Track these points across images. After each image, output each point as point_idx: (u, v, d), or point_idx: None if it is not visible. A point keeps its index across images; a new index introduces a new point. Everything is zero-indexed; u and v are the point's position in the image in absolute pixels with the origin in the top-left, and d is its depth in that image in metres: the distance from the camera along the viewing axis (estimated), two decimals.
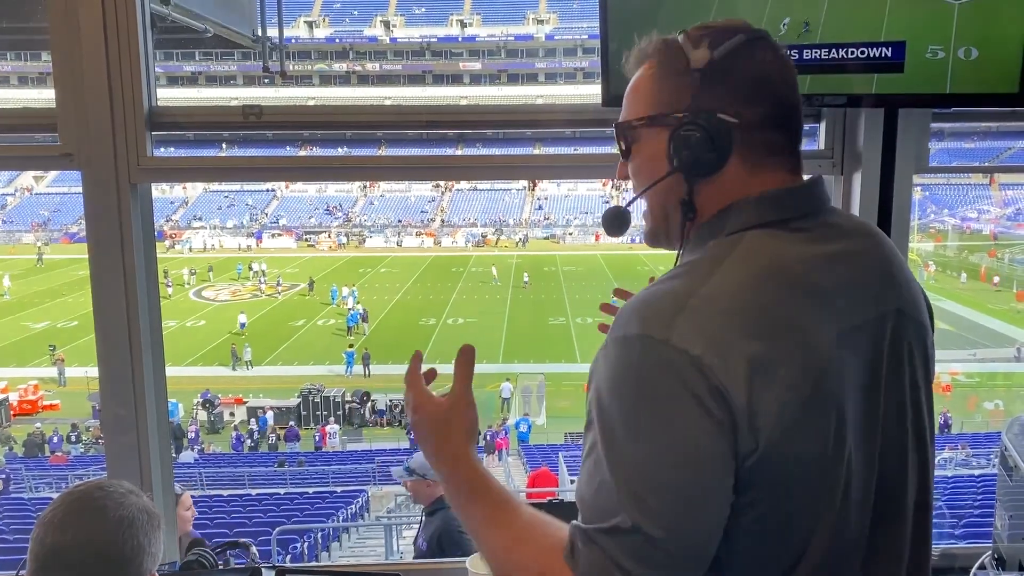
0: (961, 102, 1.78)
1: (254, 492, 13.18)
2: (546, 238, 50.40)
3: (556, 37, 61.74)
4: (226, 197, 55.86)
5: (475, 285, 36.56)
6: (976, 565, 2.06)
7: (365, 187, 56.92)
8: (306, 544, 9.37)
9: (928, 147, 2.03)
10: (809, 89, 1.76)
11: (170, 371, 2.16)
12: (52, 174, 53.88)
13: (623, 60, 1.16)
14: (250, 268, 39.00)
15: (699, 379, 0.90)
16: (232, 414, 21.42)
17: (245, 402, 21.68)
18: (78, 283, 33.47)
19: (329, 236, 50.03)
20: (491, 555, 1.05)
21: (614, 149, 1.18)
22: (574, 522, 0.97)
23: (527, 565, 1.00)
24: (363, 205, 56.10)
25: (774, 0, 1.76)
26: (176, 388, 20.76)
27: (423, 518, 4.26)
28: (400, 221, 53.50)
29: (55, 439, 19.16)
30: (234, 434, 20.25)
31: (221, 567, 2.01)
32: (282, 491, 13.23)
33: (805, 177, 1.11)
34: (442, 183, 56.58)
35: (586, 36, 58.55)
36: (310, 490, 13.18)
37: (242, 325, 28.50)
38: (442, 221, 54.02)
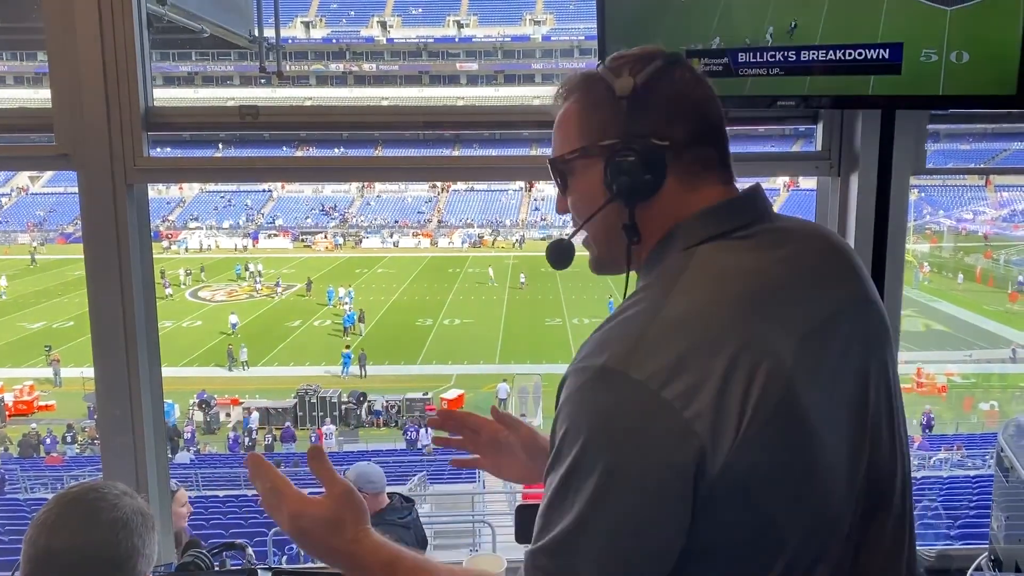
0: (960, 103, 1.78)
1: (250, 493, 13.14)
2: (543, 239, 50.40)
3: (553, 38, 61.77)
4: (222, 197, 55.79)
5: (472, 286, 36.57)
6: (973, 566, 2.06)
7: (362, 187, 56.89)
8: (426, 544, 9.30)
9: (925, 148, 2.04)
10: (807, 90, 1.76)
11: (166, 372, 2.15)
12: (47, 174, 53.77)
13: (554, 98, 1.18)
14: (246, 268, 38.95)
15: (659, 415, 0.91)
16: (228, 415, 21.39)
17: (241, 403, 21.65)
18: (74, 283, 33.40)
19: (325, 237, 49.99)
20: None
21: None
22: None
23: None
24: (360, 206, 56.06)
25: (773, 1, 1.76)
26: (172, 389, 20.73)
27: (249, 550, 4.20)
28: (397, 222, 53.48)
29: (48, 440, 19.12)
30: (231, 435, 20.22)
31: (217, 568, 2.00)
32: None
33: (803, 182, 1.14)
34: (439, 184, 56.60)
35: (583, 37, 58.57)
36: (306, 491, 13.13)
37: (233, 326, 28.48)
38: (439, 222, 54.00)
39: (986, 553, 2.06)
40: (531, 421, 19.74)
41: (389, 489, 4.30)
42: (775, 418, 0.93)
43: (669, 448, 0.91)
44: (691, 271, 1.02)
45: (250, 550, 2.16)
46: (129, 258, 1.97)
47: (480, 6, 64.24)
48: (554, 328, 28.46)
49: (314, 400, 21.00)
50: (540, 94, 57.97)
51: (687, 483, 0.91)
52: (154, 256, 2.12)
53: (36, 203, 54.24)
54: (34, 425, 19.75)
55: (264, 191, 56.43)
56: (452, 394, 22.00)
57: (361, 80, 62.43)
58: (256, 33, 3.31)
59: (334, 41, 62.66)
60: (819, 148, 2.07)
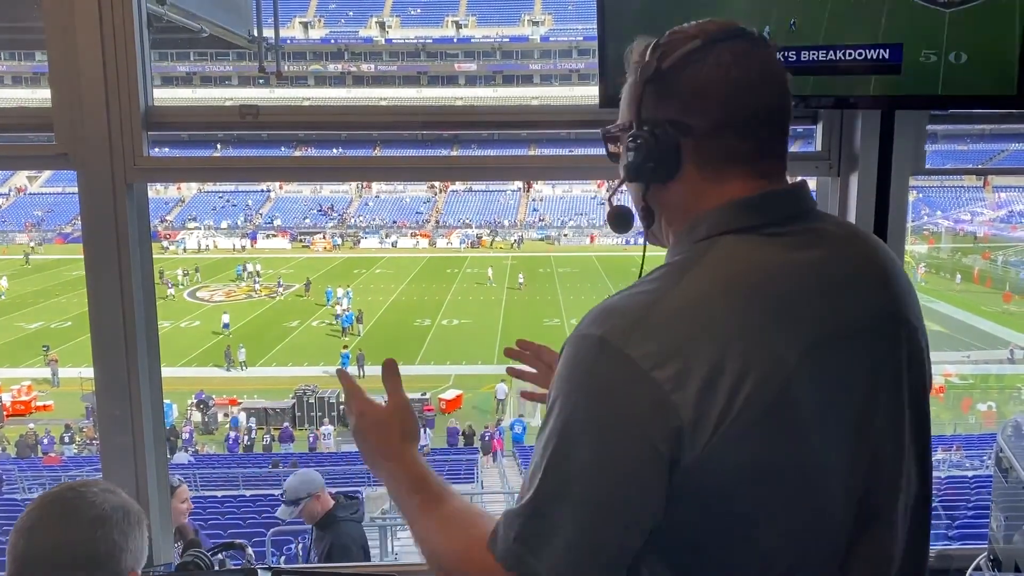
0: (959, 104, 1.79)
1: (248, 493, 13.15)
2: (541, 239, 50.41)
3: (551, 38, 61.76)
4: (220, 197, 55.76)
5: (470, 286, 36.56)
6: (972, 566, 2.06)
7: (360, 188, 56.89)
8: (301, 545, 9.34)
9: (925, 149, 2.04)
10: (807, 91, 1.76)
11: (164, 372, 2.15)
12: (46, 174, 53.74)
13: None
14: (244, 269, 38.94)
15: (646, 392, 0.92)
16: (226, 415, 21.37)
17: (239, 403, 21.64)
18: (71, 283, 33.35)
19: (324, 237, 49.98)
20: (423, 544, 1.13)
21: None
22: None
23: (453, 549, 1.06)
24: (358, 206, 56.05)
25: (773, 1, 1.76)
26: (170, 389, 20.71)
27: (313, 534, 4.28)
28: (395, 222, 53.48)
29: (46, 440, 19.10)
30: (230, 435, 20.20)
31: (217, 568, 2.00)
32: (276, 492, 13.19)
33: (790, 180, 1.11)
34: (437, 184, 56.60)
35: (581, 38, 58.58)
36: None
37: (225, 326, 28.46)
38: (437, 222, 54.00)
39: (985, 553, 2.07)
40: (530, 422, 19.77)
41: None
42: (765, 419, 0.93)
43: (651, 428, 0.92)
44: (708, 260, 1.01)
45: (250, 550, 2.16)
46: (129, 258, 1.97)
47: (478, 7, 64.26)
48: (552, 328, 28.43)
49: (312, 400, 20.98)
50: (538, 94, 58.03)
51: (663, 464, 0.92)
52: (153, 256, 2.12)
53: (34, 203, 54.18)
54: (32, 425, 19.71)
55: (262, 191, 56.41)
56: (450, 394, 21.99)
57: (359, 80, 62.43)
58: (255, 33, 3.32)
59: (332, 41, 62.65)
60: (819, 148, 2.07)
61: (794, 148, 1.18)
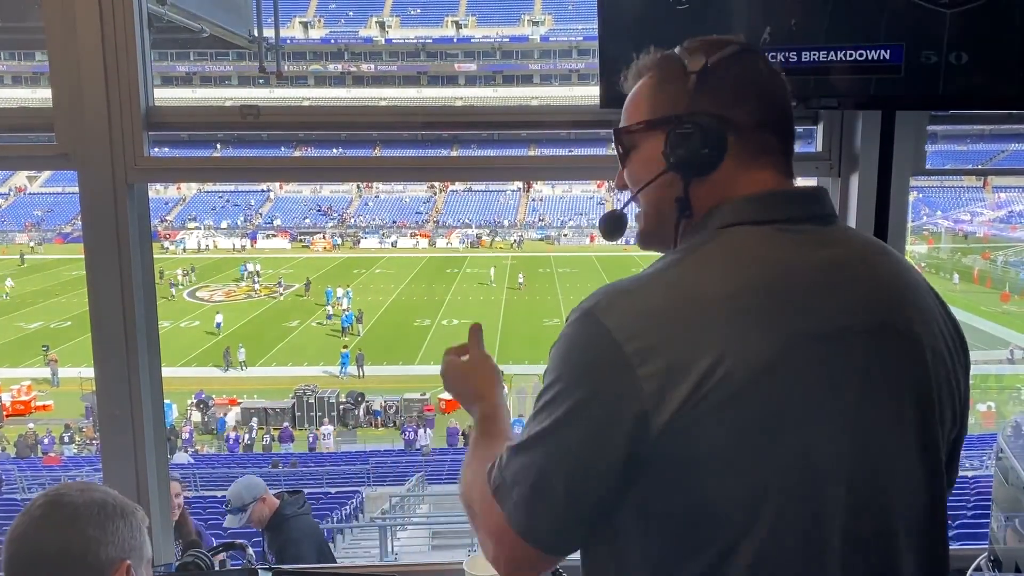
0: (960, 104, 1.79)
1: None
2: (541, 239, 50.43)
3: (551, 38, 61.79)
4: (220, 197, 55.77)
5: (470, 286, 36.57)
6: (972, 567, 2.06)
7: (360, 188, 56.89)
8: (255, 552, 9.31)
9: (925, 149, 2.04)
10: (808, 91, 1.76)
11: (164, 372, 2.15)
12: (45, 174, 53.75)
13: (621, 78, 1.22)
14: (243, 270, 38.93)
15: (617, 363, 0.97)
16: (226, 415, 21.38)
17: (239, 403, 21.65)
18: (71, 283, 33.35)
19: (324, 237, 49.99)
20: (463, 478, 1.21)
21: (610, 151, 1.22)
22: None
23: (472, 474, 1.17)
24: (358, 206, 56.06)
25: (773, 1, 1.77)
26: (170, 389, 20.72)
27: (265, 538, 4.27)
28: (395, 222, 53.49)
29: (46, 440, 19.10)
30: (232, 435, 20.21)
31: (217, 568, 2.00)
32: (277, 492, 13.19)
33: (802, 182, 1.15)
34: (437, 184, 56.61)
35: (581, 38, 58.61)
36: (304, 491, 13.13)
37: (218, 325, 28.48)
38: (437, 222, 54.00)
39: (986, 553, 2.07)
40: None
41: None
42: (734, 407, 0.94)
43: (617, 399, 0.97)
44: (712, 247, 1.05)
45: (250, 550, 2.16)
46: (129, 257, 1.97)
47: (478, 7, 64.27)
48: (552, 328, 28.39)
49: (312, 400, 20.98)
50: (538, 94, 58.04)
51: (626, 437, 0.97)
52: (153, 256, 2.12)
53: (34, 203, 54.19)
54: (31, 425, 19.72)
55: (262, 191, 56.43)
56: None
57: (359, 80, 62.45)
58: (256, 33, 3.32)
59: (332, 41, 62.66)
60: (819, 149, 2.07)
61: (795, 148, 1.19)
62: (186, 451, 18.80)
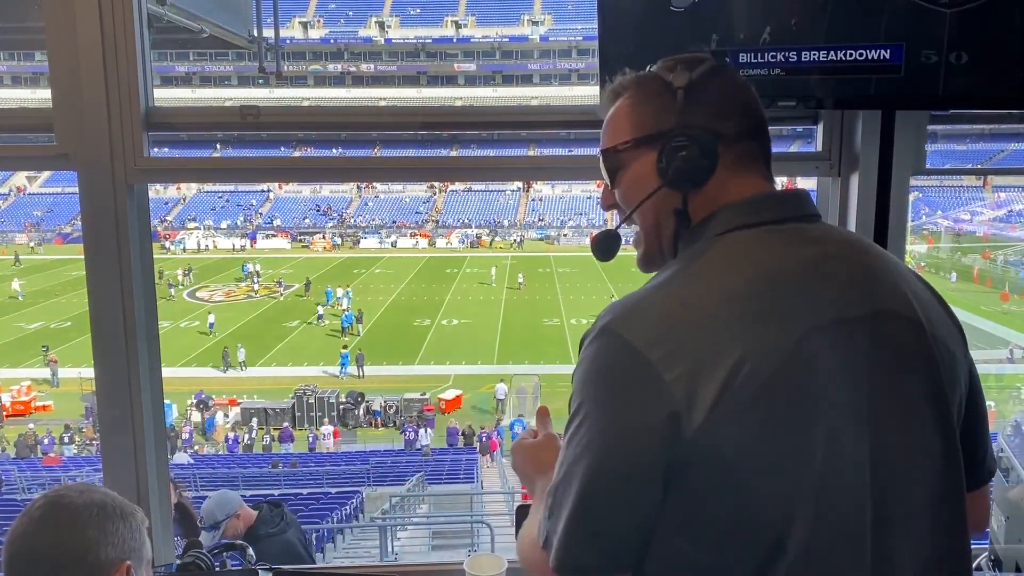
0: (960, 103, 1.79)
1: (248, 493, 13.15)
2: (540, 239, 50.42)
3: (551, 38, 61.76)
4: (220, 197, 55.77)
5: (470, 286, 36.56)
6: (972, 566, 2.06)
7: (360, 188, 56.88)
8: (307, 543, 9.33)
9: (925, 149, 2.04)
10: (808, 91, 1.76)
11: (164, 372, 2.15)
12: (45, 174, 53.74)
13: (599, 103, 1.28)
14: (243, 270, 38.93)
15: (647, 380, 0.98)
16: (226, 415, 21.38)
17: (239, 403, 21.65)
18: (72, 283, 33.35)
19: (323, 237, 49.98)
20: (521, 543, 1.20)
21: None
22: None
23: (527, 541, 1.14)
24: (357, 206, 56.05)
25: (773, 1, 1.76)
26: (170, 389, 20.71)
27: (251, 551, 4.17)
28: (394, 222, 53.48)
29: (46, 441, 19.10)
30: (229, 435, 20.21)
31: (218, 568, 2.00)
32: (276, 492, 13.21)
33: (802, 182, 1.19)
34: (436, 184, 56.62)
35: (581, 38, 58.60)
36: (304, 491, 13.16)
37: (211, 326, 28.46)
38: (436, 222, 53.99)
39: (986, 553, 2.07)
40: (530, 422, 19.76)
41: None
42: (759, 403, 0.96)
43: (647, 407, 0.98)
44: (712, 252, 1.08)
45: (250, 550, 2.16)
46: (129, 258, 1.97)
47: (478, 6, 64.25)
48: (552, 328, 28.46)
49: (312, 400, 20.98)
50: (538, 94, 58.03)
51: (662, 443, 0.97)
52: (153, 256, 2.12)
53: (33, 203, 54.18)
54: (31, 425, 19.72)
55: (262, 191, 56.42)
56: (450, 394, 22.00)
57: (359, 80, 62.42)
58: (255, 33, 3.31)
59: (332, 41, 62.63)
60: (819, 148, 2.07)
61: (794, 148, 1.19)
62: (186, 451, 18.80)
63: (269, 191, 56.53)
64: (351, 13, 63.92)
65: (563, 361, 23.83)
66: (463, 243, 49.24)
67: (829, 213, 2.09)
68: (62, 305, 31.04)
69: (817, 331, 1.01)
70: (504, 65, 63.02)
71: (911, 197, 2.11)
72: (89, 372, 2.04)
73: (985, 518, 1.31)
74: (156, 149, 2.03)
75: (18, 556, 1.35)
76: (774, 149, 1.21)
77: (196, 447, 19.77)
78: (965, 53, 1.69)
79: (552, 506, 1.05)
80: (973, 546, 2.18)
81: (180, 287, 35.85)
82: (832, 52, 1.72)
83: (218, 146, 43.59)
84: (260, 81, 56.04)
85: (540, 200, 56.08)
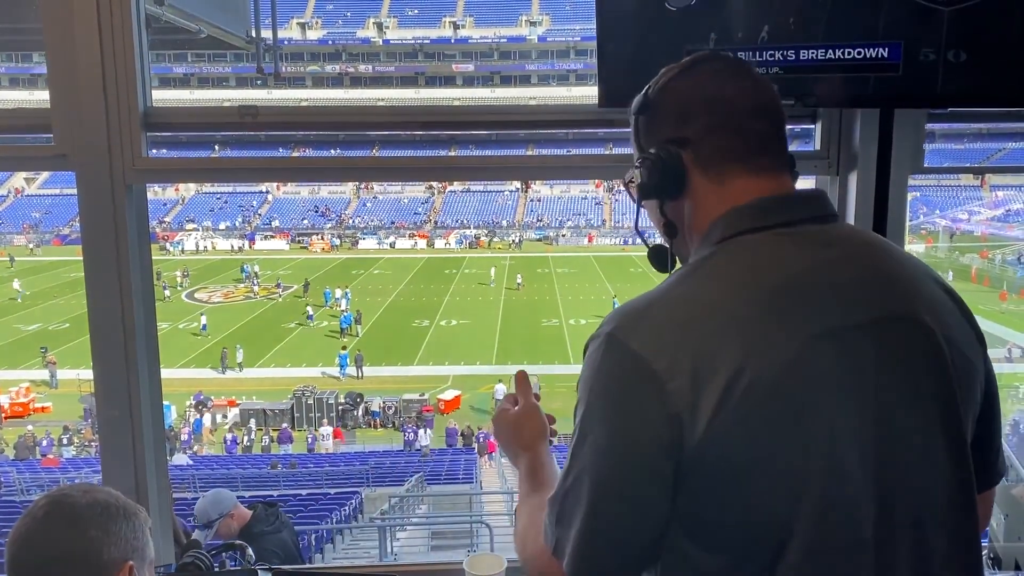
0: (958, 102, 1.79)
1: (247, 494, 13.14)
2: (539, 239, 50.43)
3: (549, 39, 61.76)
4: (218, 199, 55.75)
5: (468, 287, 36.56)
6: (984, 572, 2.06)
7: (358, 189, 56.88)
8: (299, 544, 9.31)
9: (923, 148, 2.04)
10: (807, 90, 1.76)
11: (163, 373, 2.14)
12: (43, 175, 53.72)
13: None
14: (242, 270, 38.91)
15: (651, 388, 0.98)
16: (225, 416, 21.37)
17: (238, 404, 21.64)
18: (70, 285, 33.31)
19: (322, 238, 49.97)
20: (517, 531, 1.21)
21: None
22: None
23: (524, 530, 1.17)
24: (356, 207, 56.05)
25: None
26: (168, 390, 20.69)
27: (251, 551, 4.15)
28: (393, 223, 53.47)
29: (44, 442, 19.08)
30: (228, 436, 20.20)
31: (217, 569, 2.00)
32: (275, 493, 13.20)
33: (801, 182, 1.19)
34: (435, 185, 56.61)
35: (579, 38, 58.59)
36: (303, 492, 13.16)
37: (203, 327, 28.43)
38: (435, 223, 53.99)
39: (986, 551, 2.07)
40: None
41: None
42: (762, 409, 0.96)
43: (652, 415, 0.98)
44: (717, 258, 1.08)
45: (249, 550, 2.16)
46: (128, 258, 1.96)
47: (476, 7, 64.23)
48: (551, 329, 28.46)
49: (311, 401, 20.97)
50: (536, 95, 58.04)
51: (666, 451, 0.98)
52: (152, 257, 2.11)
53: (32, 205, 54.14)
54: (30, 427, 19.70)
55: (261, 193, 56.40)
56: (449, 395, 22.00)
57: (357, 81, 62.41)
58: (253, 34, 3.31)
59: (330, 42, 62.60)
60: (817, 147, 2.07)
61: (793, 147, 1.19)
62: (185, 452, 18.78)
63: (268, 192, 56.52)
64: (349, 14, 63.90)
65: (562, 361, 23.84)
66: (461, 244, 49.23)
67: (848, 224, 2.09)
68: (60, 306, 31.01)
69: (820, 338, 1.00)
70: (502, 66, 63.02)
71: (909, 196, 2.11)
72: (88, 374, 2.04)
73: (988, 517, 1.28)
74: (155, 151, 2.03)
75: (21, 557, 1.35)
76: None
77: (195, 448, 19.75)
78: (964, 52, 1.69)
79: (561, 513, 1.05)
80: None
81: (179, 288, 35.79)
82: (830, 51, 1.72)
83: (217, 148, 43.58)
84: (259, 82, 56.02)
85: (538, 200, 56.09)
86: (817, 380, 0.99)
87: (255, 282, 36.66)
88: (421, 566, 2.44)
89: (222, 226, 52.68)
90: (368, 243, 49.66)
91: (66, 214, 49.22)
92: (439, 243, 49.51)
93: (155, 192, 51.00)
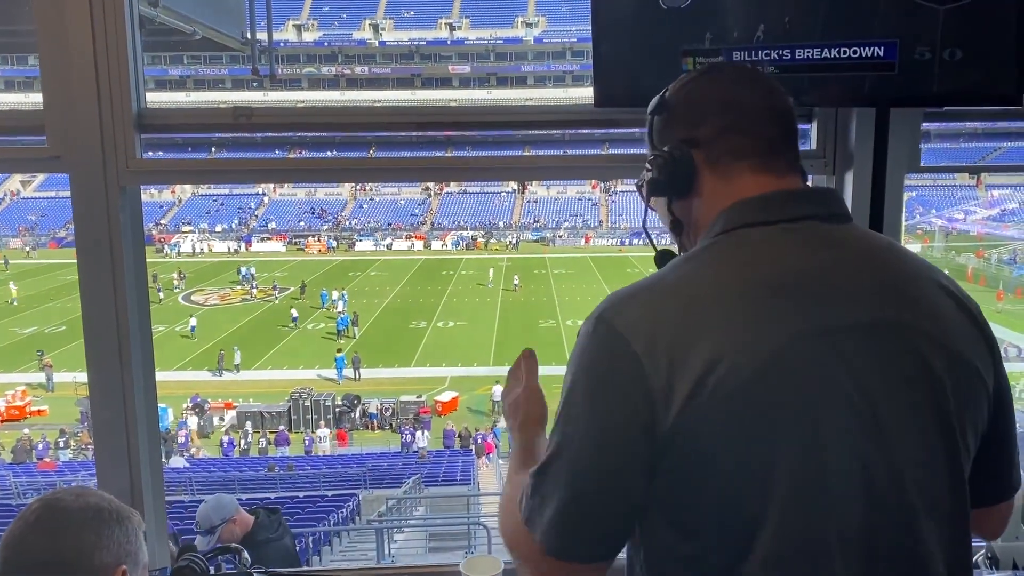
0: (954, 101, 1.78)
1: (244, 497, 13.11)
2: (536, 240, 50.44)
3: (545, 40, 61.79)
4: (215, 201, 55.69)
5: (465, 288, 36.55)
6: None
7: (354, 190, 56.84)
8: (297, 548, 9.30)
9: (920, 147, 2.04)
10: (802, 89, 1.76)
11: (160, 376, 2.14)
12: (39, 178, 53.64)
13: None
14: (238, 272, 38.85)
15: (630, 368, 1.00)
16: (222, 419, 21.34)
17: (235, 406, 21.61)
18: (66, 287, 33.24)
19: (318, 240, 49.94)
20: (499, 507, 1.21)
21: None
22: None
23: (506, 506, 1.15)
24: (352, 208, 56.02)
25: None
26: (166, 393, 20.65)
27: (248, 556, 4.12)
28: (390, 224, 53.46)
29: (40, 446, 19.03)
30: (224, 439, 20.17)
31: (213, 572, 1.99)
32: (273, 495, 13.19)
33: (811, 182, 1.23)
34: (432, 186, 56.60)
35: (575, 39, 58.64)
36: (301, 494, 13.14)
37: (192, 328, 28.37)
38: (432, 224, 53.98)
39: (984, 551, 2.06)
40: None
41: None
42: (734, 401, 0.97)
43: (630, 392, 1.00)
44: (713, 249, 1.10)
45: (245, 554, 2.15)
46: (122, 261, 1.95)
47: (472, 8, 64.25)
48: (548, 329, 28.45)
49: (308, 403, 20.95)
50: (532, 96, 58.07)
51: (643, 429, 0.99)
52: (147, 260, 2.10)
53: (28, 207, 54.05)
54: (27, 430, 19.66)
55: (257, 195, 56.36)
56: (446, 396, 21.98)
57: (353, 83, 62.40)
58: (248, 36, 3.31)
59: (326, 44, 62.59)
60: (813, 147, 2.07)
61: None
62: (182, 455, 18.75)
63: (264, 194, 56.48)
64: (345, 16, 63.88)
65: (559, 362, 23.74)
66: (458, 245, 49.22)
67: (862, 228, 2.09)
68: (56, 309, 30.95)
69: (807, 336, 1.00)
70: (498, 67, 63.04)
71: (905, 196, 2.11)
72: (84, 376, 2.03)
73: (1001, 528, 1.26)
74: (151, 153, 2.02)
75: (13, 560, 1.34)
76: None
77: (192, 451, 19.71)
78: (959, 50, 1.69)
79: (538, 486, 1.06)
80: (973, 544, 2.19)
81: (174, 291, 35.72)
82: (826, 50, 1.72)
83: (213, 149, 43.53)
84: (254, 84, 56.00)
85: (535, 202, 56.10)
86: (797, 380, 0.99)
87: (253, 284, 36.59)
88: (418, 568, 2.44)
89: (218, 228, 52.61)
90: (365, 245, 49.63)
91: (62, 217, 49.15)
92: (436, 244, 49.51)
93: (151, 194, 50.98)
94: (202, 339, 27.83)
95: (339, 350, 25.27)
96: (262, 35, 3.56)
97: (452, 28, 63.18)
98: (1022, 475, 1.23)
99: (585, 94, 1.86)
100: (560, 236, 50.75)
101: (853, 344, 1.02)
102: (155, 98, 1.99)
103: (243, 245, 48.91)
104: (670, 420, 0.97)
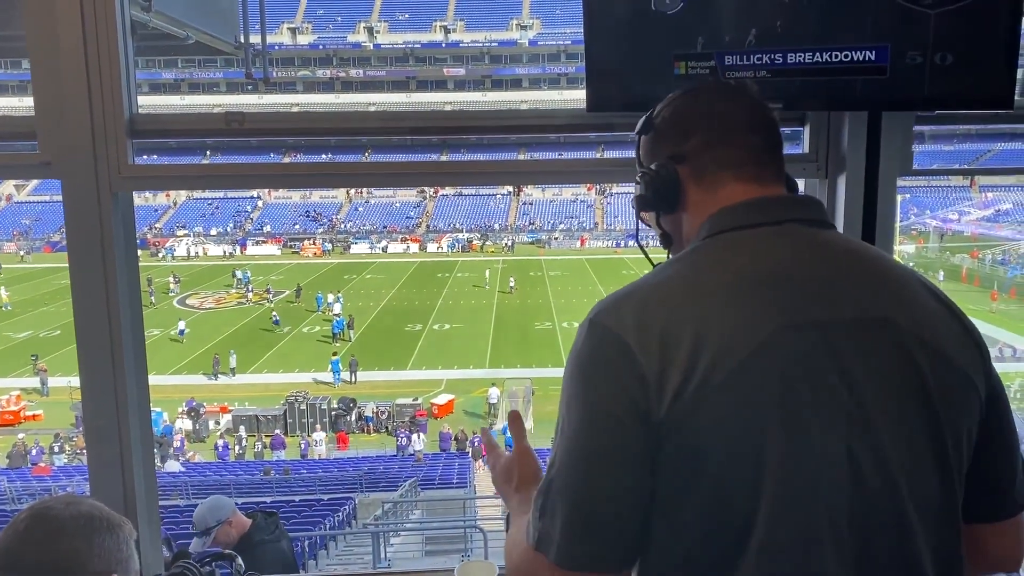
0: (945, 104, 1.79)
1: (240, 501, 13.08)
2: (531, 243, 50.44)
3: (540, 42, 61.86)
4: (210, 204, 55.61)
5: (461, 290, 36.54)
6: None
7: (350, 193, 56.80)
8: (294, 552, 9.28)
9: (912, 149, 2.04)
10: (794, 93, 1.76)
11: (154, 380, 2.13)
12: (33, 183, 53.46)
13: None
14: (233, 275, 38.78)
15: (623, 359, 1.02)
16: (217, 423, 21.29)
17: (230, 410, 21.56)
18: (61, 292, 33.16)
19: (314, 243, 49.88)
20: (505, 544, 1.21)
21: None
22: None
23: (517, 542, 1.13)
24: (348, 211, 55.98)
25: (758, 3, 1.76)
26: (161, 397, 20.62)
27: (242, 562, 4.10)
28: (385, 227, 53.42)
29: (35, 450, 18.97)
30: (219, 443, 20.13)
31: None
32: (268, 499, 13.16)
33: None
34: (427, 189, 56.57)
35: (569, 42, 58.74)
36: (297, 498, 13.11)
37: (181, 332, 28.31)
38: (427, 227, 53.96)
39: None
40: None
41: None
42: (722, 393, 0.98)
43: (625, 382, 1.02)
44: (699, 251, 1.13)
45: (239, 560, 2.14)
46: (115, 266, 1.95)
47: (466, 11, 64.29)
48: (544, 332, 28.45)
49: (303, 407, 20.90)
50: (527, 99, 58.10)
51: (641, 418, 1.00)
52: (141, 264, 2.10)
53: (22, 212, 53.91)
54: (21, 435, 19.59)
55: (252, 198, 56.29)
56: (442, 399, 21.96)
57: (348, 86, 62.39)
58: (242, 39, 3.29)
59: (321, 47, 62.59)
60: (806, 150, 2.07)
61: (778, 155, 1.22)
62: (178, 459, 18.70)
63: (259, 198, 56.41)
64: (339, 18, 63.89)
65: (555, 364, 23.81)
66: (454, 248, 49.20)
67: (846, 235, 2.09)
68: (51, 314, 30.86)
69: (794, 328, 1.02)
70: (493, 70, 63.08)
71: (899, 198, 2.11)
72: (79, 381, 2.02)
73: (1018, 552, 1.19)
74: (145, 157, 2.02)
75: (3, 569, 1.34)
76: None
77: (188, 455, 19.66)
78: (950, 54, 1.69)
79: (545, 504, 1.06)
80: None
81: (169, 295, 35.63)
82: (818, 54, 1.72)
83: (208, 153, 43.46)
84: (249, 87, 55.95)
85: (531, 204, 56.12)
86: (785, 368, 1.00)
87: (248, 288, 36.51)
88: (415, 572, 2.43)
89: (213, 232, 52.54)
90: (360, 247, 49.59)
91: (56, 221, 48.96)
92: (431, 247, 49.49)
93: (146, 198, 50.89)
94: (197, 343, 27.77)
95: (335, 353, 25.24)
96: (256, 38, 3.55)
97: (447, 31, 63.21)
98: None
99: (580, 96, 1.86)
100: (556, 238, 50.77)
101: (839, 337, 1.03)
102: (149, 102, 1.99)
103: (238, 248, 48.85)
104: (663, 410, 0.99)
